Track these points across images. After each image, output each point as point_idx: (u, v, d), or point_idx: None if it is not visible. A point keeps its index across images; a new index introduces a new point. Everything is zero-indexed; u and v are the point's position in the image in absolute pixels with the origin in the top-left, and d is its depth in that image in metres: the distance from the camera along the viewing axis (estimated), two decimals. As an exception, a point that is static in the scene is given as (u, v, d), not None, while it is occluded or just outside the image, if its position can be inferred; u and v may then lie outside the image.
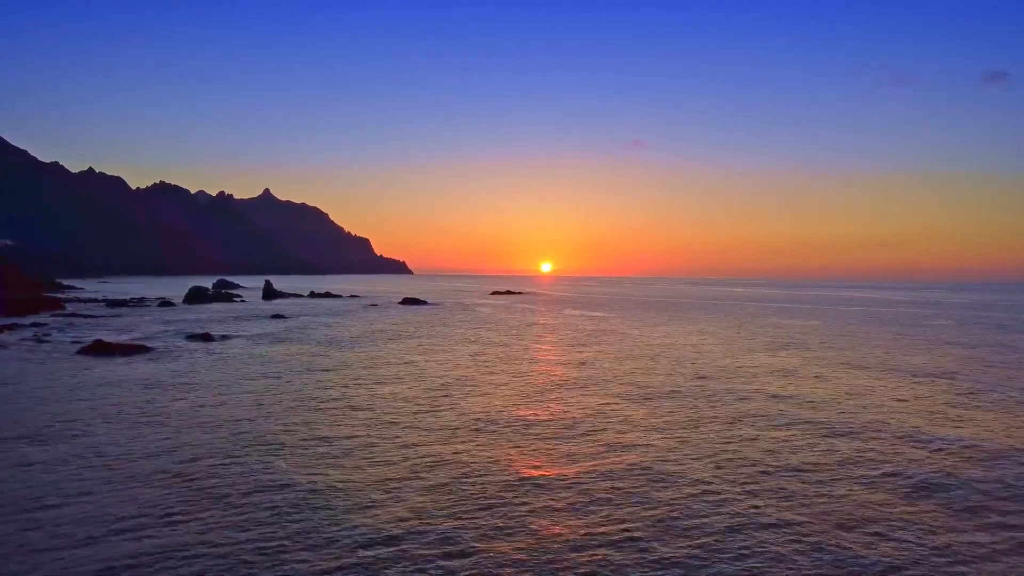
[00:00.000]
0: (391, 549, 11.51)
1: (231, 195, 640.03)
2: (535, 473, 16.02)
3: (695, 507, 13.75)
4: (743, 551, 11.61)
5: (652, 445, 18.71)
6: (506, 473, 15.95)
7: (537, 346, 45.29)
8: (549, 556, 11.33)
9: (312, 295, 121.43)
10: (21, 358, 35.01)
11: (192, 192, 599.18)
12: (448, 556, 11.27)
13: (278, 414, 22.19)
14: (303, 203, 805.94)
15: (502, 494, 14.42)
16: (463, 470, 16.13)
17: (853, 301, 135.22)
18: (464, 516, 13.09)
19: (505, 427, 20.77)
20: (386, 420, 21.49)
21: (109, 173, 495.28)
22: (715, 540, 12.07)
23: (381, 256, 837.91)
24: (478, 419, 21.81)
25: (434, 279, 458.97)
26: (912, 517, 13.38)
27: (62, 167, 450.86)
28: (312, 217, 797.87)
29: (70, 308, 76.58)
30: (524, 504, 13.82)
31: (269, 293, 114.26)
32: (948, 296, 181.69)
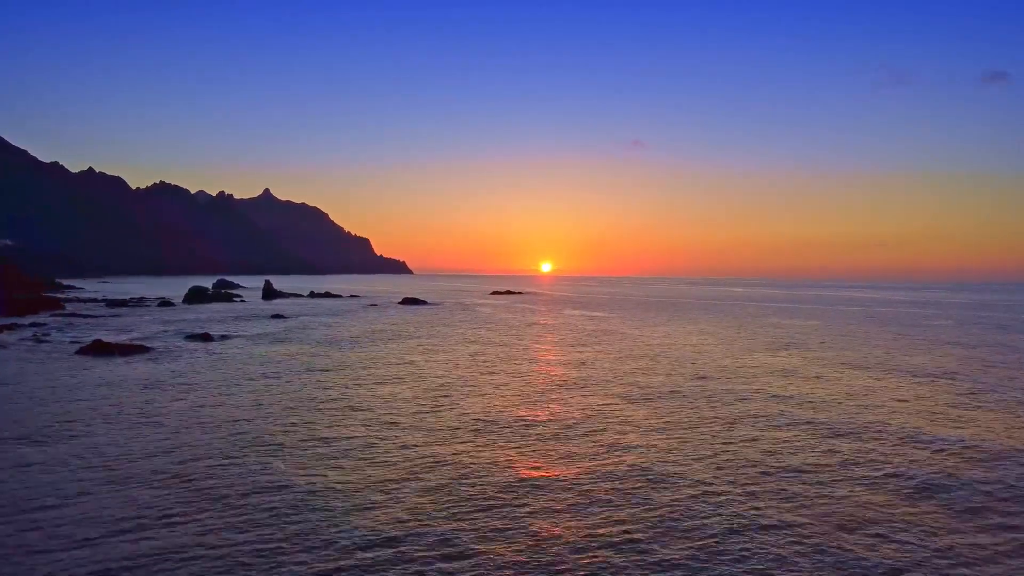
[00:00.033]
0: (390, 551, 11.46)
1: (231, 195, 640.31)
2: (535, 474, 15.97)
3: (695, 508, 13.70)
4: (744, 553, 11.56)
5: (652, 446, 18.66)
6: (506, 474, 15.90)
7: (537, 346, 45.24)
8: (549, 558, 11.28)
9: (312, 295, 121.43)
10: (20, 358, 34.96)
11: (192, 192, 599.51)
12: (447, 558, 11.22)
13: (277, 414, 22.14)
14: (303, 203, 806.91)
15: (501, 495, 14.37)
16: (462, 471, 16.08)
17: (853, 301, 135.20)
18: (463, 518, 13.04)
19: (505, 428, 20.72)
20: (385, 421, 21.44)
21: (109, 173, 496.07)
22: (716, 542, 12.02)
23: (381, 256, 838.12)
24: (478, 420, 21.76)
25: (434, 279, 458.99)
26: (914, 518, 13.33)
27: (62, 167, 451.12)
28: (312, 217, 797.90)
29: (70, 308, 76.55)
30: (524, 505, 13.77)
31: (269, 293, 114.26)
32: (948, 296, 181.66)
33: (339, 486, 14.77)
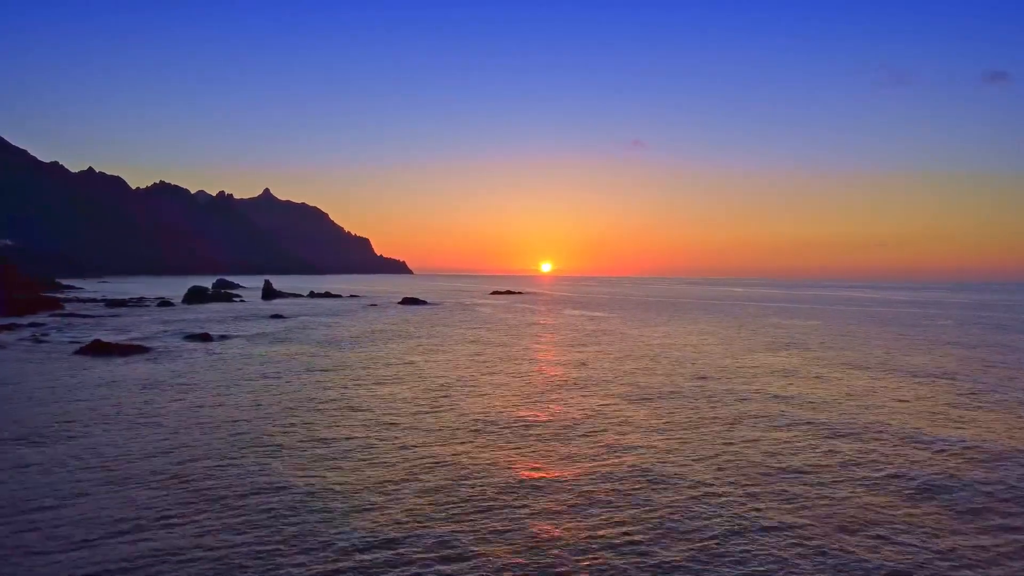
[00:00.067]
0: (388, 552, 11.39)
1: (231, 195, 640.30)
2: (534, 475, 15.91)
3: (696, 510, 13.63)
4: (744, 554, 11.50)
5: (652, 447, 18.59)
6: (505, 475, 15.84)
7: (537, 346, 45.18)
8: (548, 560, 11.22)
9: (312, 295, 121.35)
10: (19, 358, 34.90)
11: (192, 192, 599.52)
12: (446, 560, 11.16)
13: (276, 415, 22.08)
14: (303, 203, 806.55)
15: (501, 496, 14.30)
16: (462, 472, 16.02)
17: (853, 301, 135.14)
18: (462, 519, 12.98)
19: (504, 428, 20.66)
20: (385, 421, 21.38)
21: (109, 173, 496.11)
22: (716, 543, 11.96)
23: (381, 256, 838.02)
24: (477, 420, 21.70)
25: (434, 279, 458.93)
26: (915, 520, 13.27)
27: (62, 167, 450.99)
28: (312, 217, 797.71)
29: (69, 308, 76.49)
30: (523, 507, 13.71)
31: (269, 293, 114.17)
32: (948, 296, 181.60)
33: (338, 487, 14.71)
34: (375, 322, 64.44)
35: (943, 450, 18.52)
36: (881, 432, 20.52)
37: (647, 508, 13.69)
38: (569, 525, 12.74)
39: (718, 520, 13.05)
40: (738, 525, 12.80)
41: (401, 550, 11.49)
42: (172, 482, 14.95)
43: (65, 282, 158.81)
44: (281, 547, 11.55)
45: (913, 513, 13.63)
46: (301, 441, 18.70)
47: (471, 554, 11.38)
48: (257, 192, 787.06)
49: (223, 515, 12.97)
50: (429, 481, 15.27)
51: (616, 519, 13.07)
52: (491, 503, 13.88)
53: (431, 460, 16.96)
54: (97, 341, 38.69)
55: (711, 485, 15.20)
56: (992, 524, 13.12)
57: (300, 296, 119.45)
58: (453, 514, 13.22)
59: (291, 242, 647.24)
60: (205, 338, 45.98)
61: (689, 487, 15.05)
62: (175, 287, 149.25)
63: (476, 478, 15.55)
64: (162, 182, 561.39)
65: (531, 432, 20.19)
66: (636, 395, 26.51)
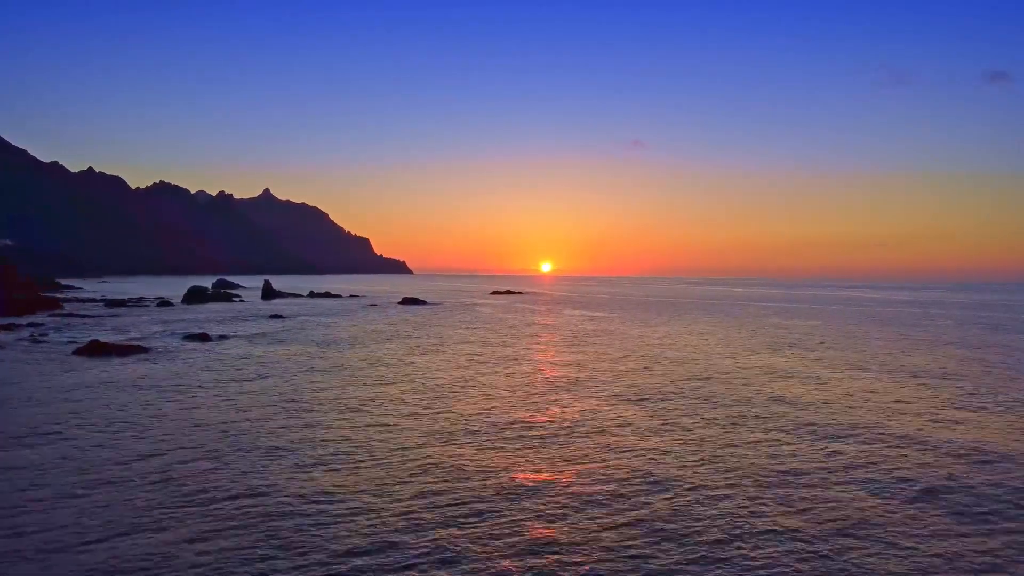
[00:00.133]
0: (382, 556, 11.26)
1: (231, 195, 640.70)
2: (532, 477, 15.77)
3: (695, 512, 13.50)
4: (744, 558, 11.36)
5: (652, 448, 18.46)
6: (503, 477, 15.71)
7: (536, 346, 45.06)
8: (545, 563, 11.08)
9: (311, 295, 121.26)
10: (16, 359, 34.77)
11: (192, 192, 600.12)
12: (441, 563, 11.02)
13: (273, 416, 21.94)
14: (303, 203, 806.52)
15: (498, 499, 14.17)
16: (458, 474, 15.88)
17: (853, 301, 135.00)
18: (459, 522, 12.84)
19: (503, 430, 20.52)
20: (382, 422, 21.24)
21: (109, 173, 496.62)
22: (715, 546, 11.82)
23: (381, 256, 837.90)
24: (476, 421, 21.56)
25: (434, 279, 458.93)
26: (916, 523, 13.13)
27: (62, 167, 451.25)
28: (312, 217, 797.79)
29: (68, 308, 76.39)
30: (521, 509, 13.57)
31: (268, 293, 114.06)
32: (948, 296, 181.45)
33: (333, 489, 14.58)
34: (375, 322, 64.32)
35: (945, 452, 18.38)
36: (882, 434, 20.38)
37: (645, 511, 13.55)
38: (566, 528, 12.60)
39: (718, 523, 12.92)
40: (738, 528, 12.67)
41: (395, 554, 11.35)
42: (166, 484, 14.82)
43: (65, 282, 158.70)
44: (273, 551, 11.41)
45: (914, 516, 13.49)
46: (297, 442, 18.57)
47: (466, 557, 11.24)
48: (257, 192, 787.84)
49: (218, 517, 12.84)
50: (425, 483, 15.13)
51: (614, 522, 12.93)
52: (487, 506, 13.74)
53: (428, 462, 16.83)
54: (95, 341, 38.56)
55: (711, 487, 15.06)
56: (994, 527, 12.98)
57: (300, 296, 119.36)
58: (450, 516, 13.08)
59: (291, 242, 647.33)
60: (204, 338, 45.86)
61: (689, 489, 14.92)
62: (175, 287, 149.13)
63: (474, 480, 15.41)
64: (162, 182, 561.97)
65: (530, 433, 20.06)
66: (635, 396, 26.38)
